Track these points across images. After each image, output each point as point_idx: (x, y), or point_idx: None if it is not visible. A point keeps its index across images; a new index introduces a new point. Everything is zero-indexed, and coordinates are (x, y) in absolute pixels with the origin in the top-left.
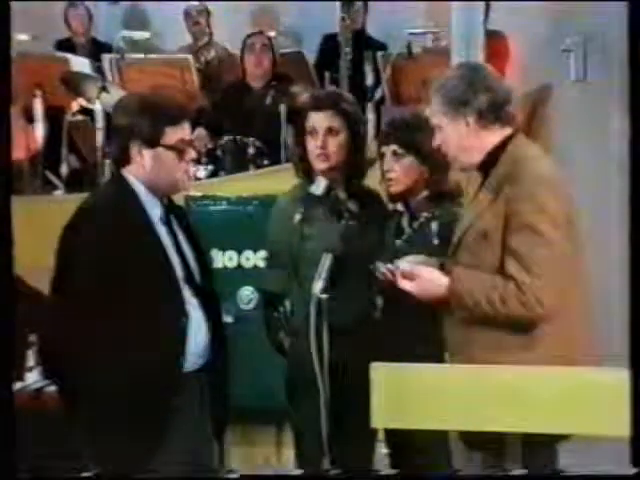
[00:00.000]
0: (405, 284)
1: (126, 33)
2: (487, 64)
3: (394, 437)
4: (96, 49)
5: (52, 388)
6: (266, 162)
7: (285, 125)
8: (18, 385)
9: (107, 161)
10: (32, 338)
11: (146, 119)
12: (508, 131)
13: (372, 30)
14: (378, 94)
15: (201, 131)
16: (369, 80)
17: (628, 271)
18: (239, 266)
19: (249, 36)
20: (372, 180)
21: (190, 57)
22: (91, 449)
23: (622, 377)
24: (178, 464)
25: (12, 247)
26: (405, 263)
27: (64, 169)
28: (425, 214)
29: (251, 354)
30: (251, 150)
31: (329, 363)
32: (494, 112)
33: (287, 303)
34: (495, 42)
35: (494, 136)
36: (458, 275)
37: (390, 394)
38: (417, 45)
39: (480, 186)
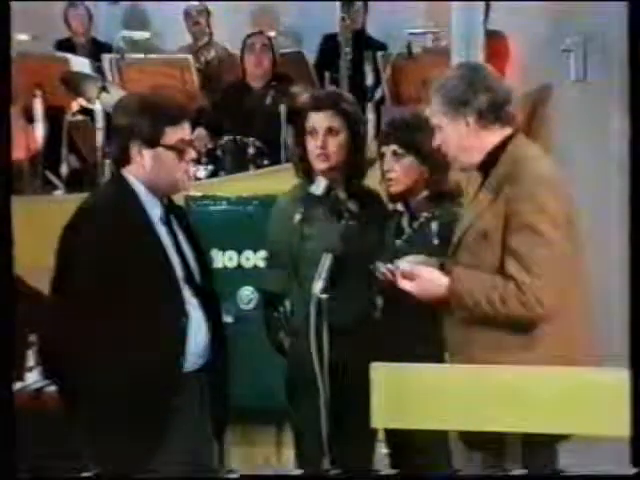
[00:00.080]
0: (405, 284)
1: (126, 33)
2: (487, 64)
3: (394, 437)
4: (96, 49)
5: (52, 388)
6: (266, 162)
7: (285, 125)
8: (18, 385)
9: (107, 161)
10: (32, 338)
11: (146, 119)
12: (508, 131)
13: (372, 30)
14: (378, 94)
15: (201, 131)
16: (369, 80)
17: (628, 271)
18: (239, 266)
19: (249, 36)
20: (372, 180)
21: (190, 57)
22: (91, 449)
23: (622, 377)
24: (178, 464)
25: (12, 247)
26: (405, 263)
27: (64, 169)
28: (425, 214)
29: (251, 354)
30: (251, 150)
31: (329, 363)
32: (494, 112)
33: (287, 303)
34: (495, 42)
35: (494, 136)
36: (458, 275)
37: (390, 394)
38: (417, 45)
39: (480, 186)
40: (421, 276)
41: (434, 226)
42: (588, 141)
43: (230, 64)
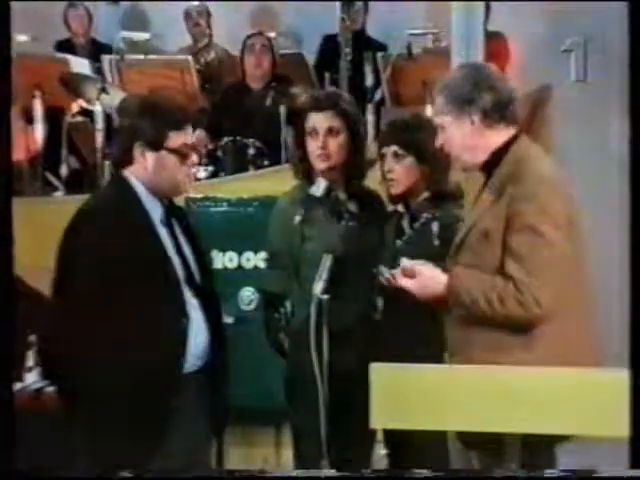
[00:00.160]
0: (405, 282)
1: (126, 34)
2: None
3: (393, 437)
4: (96, 50)
5: (52, 388)
6: (266, 163)
7: (285, 126)
8: (18, 385)
9: (107, 162)
10: (32, 338)
11: (150, 122)
12: (512, 131)
13: (372, 30)
14: (378, 95)
15: (201, 132)
16: (369, 81)
17: (628, 271)
18: (239, 267)
19: (249, 37)
20: (372, 181)
21: (190, 58)
22: (91, 449)
23: (622, 377)
24: (178, 464)
25: (12, 248)
26: (406, 260)
27: (64, 170)
28: (425, 215)
29: (251, 355)
30: (251, 151)
31: (329, 364)
32: (499, 111)
33: (287, 304)
34: (495, 43)
35: (499, 136)
36: (457, 273)
37: (390, 394)
38: (417, 46)
39: (483, 186)
40: (422, 273)
41: (434, 227)
42: (588, 141)
43: (230, 65)
